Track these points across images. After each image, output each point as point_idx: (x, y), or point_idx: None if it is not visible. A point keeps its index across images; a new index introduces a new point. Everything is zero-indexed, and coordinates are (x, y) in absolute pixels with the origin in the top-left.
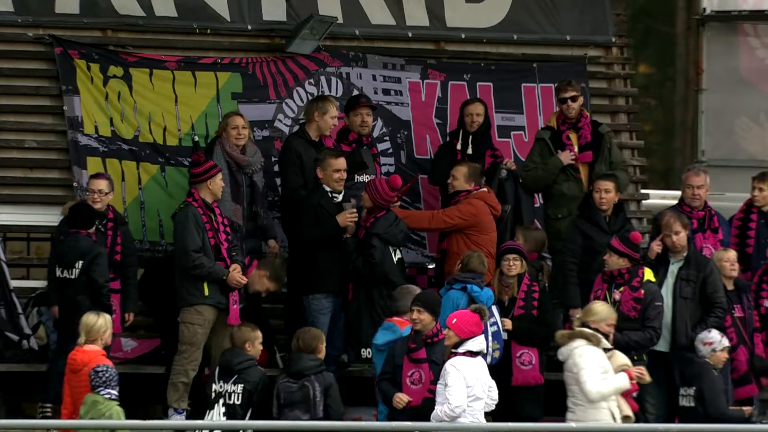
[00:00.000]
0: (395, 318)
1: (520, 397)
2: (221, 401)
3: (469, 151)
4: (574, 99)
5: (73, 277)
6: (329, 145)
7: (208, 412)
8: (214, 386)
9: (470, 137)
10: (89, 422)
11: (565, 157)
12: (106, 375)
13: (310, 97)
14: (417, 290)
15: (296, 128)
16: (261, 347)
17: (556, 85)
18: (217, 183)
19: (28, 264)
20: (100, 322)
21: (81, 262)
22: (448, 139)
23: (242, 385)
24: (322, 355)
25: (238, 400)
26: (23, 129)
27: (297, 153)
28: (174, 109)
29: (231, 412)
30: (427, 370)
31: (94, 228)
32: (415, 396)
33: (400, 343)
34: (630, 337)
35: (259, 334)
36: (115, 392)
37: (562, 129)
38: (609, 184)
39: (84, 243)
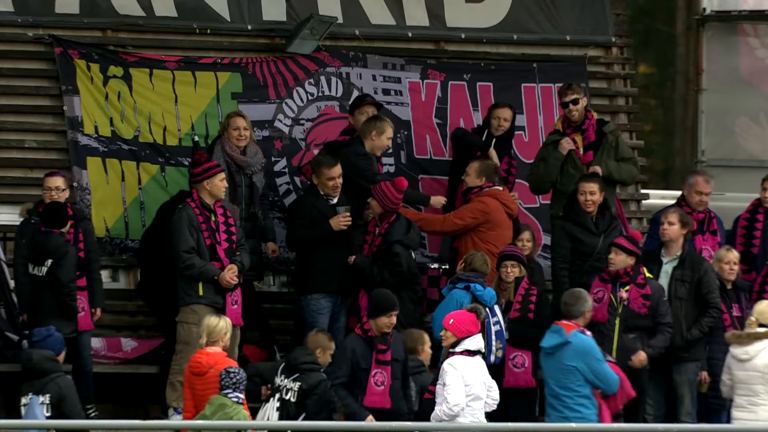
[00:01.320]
0: (564, 321)
1: (510, 399)
2: (277, 395)
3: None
4: (575, 102)
5: (41, 275)
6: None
7: (263, 403)
8: (276, 379)
9: (494, 140)
10: (89, 422)
11: (564, 147)
12: (237, 377)
13: (310, 97)
14: (588, 295)
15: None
16: (330, 359)
17: (557, 85)
18: (216, 184)
19: None
20: (221, 324)
21: (50, 261)
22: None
23: (299, 384)
24: (425, 356)
25: (293, 397)
26: (23, 129)
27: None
28: (174, 109)
29: (284, 408)
30: (389, 372)
31: (67, 227)
32: (379, 398)
33: (360, 346)
34: (657, 345)
35: (333, 345)
36: (242, 396)
37: (567, 132)
38: (593, 186)
39: (55, 241)
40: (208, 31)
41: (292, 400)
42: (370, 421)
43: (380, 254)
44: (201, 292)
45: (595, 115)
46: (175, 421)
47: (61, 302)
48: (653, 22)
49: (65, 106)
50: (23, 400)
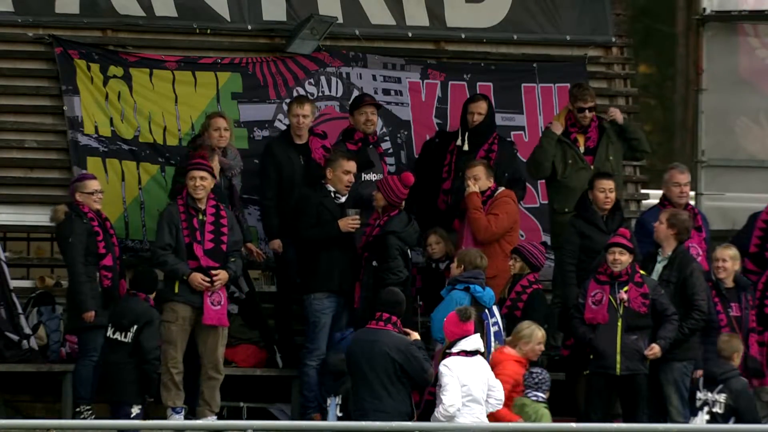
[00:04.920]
0: None
1: None
2: (705, 409)
3: (465, 147)
4: (591, 109)
5: (126, 341)
6: (316, 146)
7: (692, 418)
8: (698, 394)
9: (467, 133)
10: (88, 422)
11: (555, 125)
12: (540, 377)
13: (310, 97)
14: None
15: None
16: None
17: (557, 85)
18: (188, 182)
19: (28, 264)
20: (526, 332)
21: (135, 327)
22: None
23: (725, 395)
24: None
25: (720, 409)
26: (23, 129)
27: (274, 155)
28: (174, 109)
29: (713, 421)
30: None
31: (154, 294)
32: None
33: None
34: (668, 336)
35: (741, 345)
36: (542, 395)
37: (571, 131)
38: (611, 183)
39: (141, 306)
40: (208, 31)
41: (720, 411)
42: None
43: (373, 243)
44: (176, 290)
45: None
46: (176, 421)
47: (142, 370)
48: (653, 22)
49: (65, 106)
50: (328, 401)
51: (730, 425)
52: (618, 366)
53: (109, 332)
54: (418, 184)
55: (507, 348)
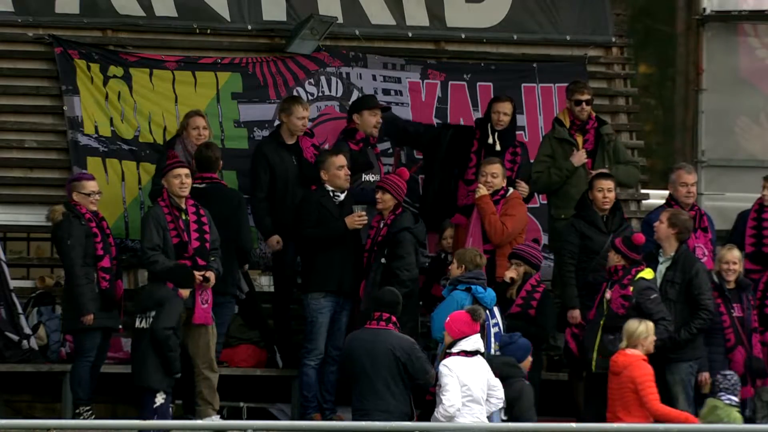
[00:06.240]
0: None
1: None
2: None
3: (498, 147)
4: (588, 102)
5: (147, 327)
6: (306, 146)
7: None
8: None
9: (496, 134)
10: (88, 422)
11: (578, 158)
12: (733, 380)
13: (310, 97)
14: None
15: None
16: None
17: (557, 85)
18: (170, 180)
19: (28, 264)
20: (641, 328)
21: (154, 312)
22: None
23: None
24: None
25: None
26: (23, 129)
27: (265, 156)
28: (174, 109)
29: None
30: None
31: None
32: None
33: None
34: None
35: None
36: (735, 398)
37: (572, 131)
38: (610, 183)
39: (159, 292)
40: (208, 31)
41: None
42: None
43: (384, 242)
44: None
45: (596, 118)
46: (176, 421)
47: (162, 355)
48: (653, 22)
49: (65, 106)
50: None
51: (730, 425)
52: (593, 363)
53: (137, 323)
54: (433, 177)
55: (628, 350)
